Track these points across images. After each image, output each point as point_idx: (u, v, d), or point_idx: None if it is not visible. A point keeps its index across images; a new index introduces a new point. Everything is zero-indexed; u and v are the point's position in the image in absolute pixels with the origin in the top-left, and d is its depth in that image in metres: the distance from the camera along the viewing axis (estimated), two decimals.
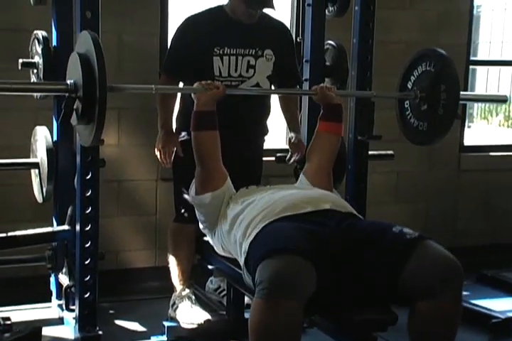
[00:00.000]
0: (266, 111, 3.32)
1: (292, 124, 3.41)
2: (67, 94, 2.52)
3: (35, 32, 3.21)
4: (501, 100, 3.64)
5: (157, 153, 3.23)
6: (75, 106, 2.50)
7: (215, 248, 2.80)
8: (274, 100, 3.42)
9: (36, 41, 3.20)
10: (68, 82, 2.54)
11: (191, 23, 3.17)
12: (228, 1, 3.20)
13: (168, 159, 3.20)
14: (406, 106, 3.23)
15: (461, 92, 3.06)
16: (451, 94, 2.99)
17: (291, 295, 2.08)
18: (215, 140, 2.69)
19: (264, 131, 3.37)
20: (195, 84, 2.75)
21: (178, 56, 3.17)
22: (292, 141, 3.35)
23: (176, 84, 3.21)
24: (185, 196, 3.05)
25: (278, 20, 3.33)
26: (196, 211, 2.84)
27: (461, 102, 3.07)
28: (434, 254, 2.24)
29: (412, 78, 3.17)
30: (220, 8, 3.20)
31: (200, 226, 2.85)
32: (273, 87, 3.30)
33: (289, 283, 2.09)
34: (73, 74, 2.51)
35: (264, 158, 3.43)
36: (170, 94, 3.20)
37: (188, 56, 3.13)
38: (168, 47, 3.30)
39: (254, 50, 3.16)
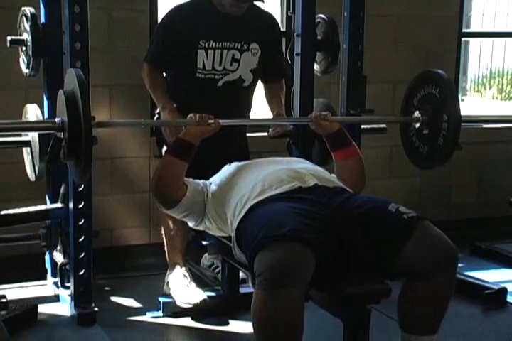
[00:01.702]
0: (247, 104, 3.30)
1: (274, 105, 3.34)
2: (55, 133, 2.48)
3: (22, 8, 3.18)
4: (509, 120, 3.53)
5: (165, 133, 3.13)
6: (62, 144, 2.46)
7: (211, 232, 2.77)
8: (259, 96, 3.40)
9: (24, 18, 3.17)
10: (56, 120, 2.48)
11: (177, 14, 3.13)
12: None
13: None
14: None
15: (465, 114, 2.94)
16: (453, 127, 2.86)
17: (291, 284, 2.06)
18: (182, 171, 2.62)
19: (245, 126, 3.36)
20: (189, 115, 2.68)
21: (162, 47, 3.13)
22: (275, 113, 3.28)
23: (159, 73, 3.19)
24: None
25: (267, 12, 3.30)
26: (184, 219, 2.79)
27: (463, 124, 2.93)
28: (431, 237, 2.25)
29: (418, 96, 3.05)
30: None
31: (191, 224, 2.82)
32: (259, 81, 3.29)
33: (288, 272, 2.07)
34: (61, 113, 2.47)
35: (257, 134, 3.43)
36: (156, 75, 3.16)
37: (173, 48, 3.10)
38: (153, 36, 3.26)
39: (239, 44, 3.13)
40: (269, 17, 3.30)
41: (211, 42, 3.10)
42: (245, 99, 3.29)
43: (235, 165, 2.78)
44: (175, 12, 3.15)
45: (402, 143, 3.19)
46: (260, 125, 3.44)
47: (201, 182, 2.75)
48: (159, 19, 3.27)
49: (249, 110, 3.35)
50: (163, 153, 3.21)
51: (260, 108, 3.58)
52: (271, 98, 3.38)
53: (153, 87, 3.17)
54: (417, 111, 3.02)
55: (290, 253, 2.11)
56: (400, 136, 3.19)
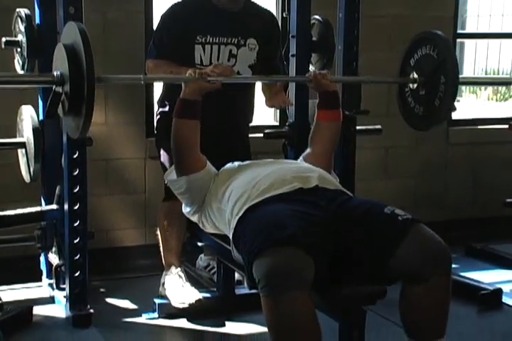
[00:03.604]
0: (248, 102, 3.29)
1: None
2: (54, 87, 2.46)
3: (17, 10, 3.18)
4: (504, 83, 3.54)
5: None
6: (61, 98, 2.44)
7: (205, 228, 2.77)
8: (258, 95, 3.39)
9: (19, 19, 3.17)
10: (55, 73, 2.46)
11: (175, 11, 3.14)
12: None
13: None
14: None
15: (462, 76, 2.99)
16: (450, 87, 2.90)
17: (292, 286, 2.06)
18: (195, 130, 2.65)
19: (247, 120, 3.35)
20: (188, 72, 2.68)
21: (162, 44, 3.13)
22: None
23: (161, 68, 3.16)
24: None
25: (264, 8, 3.30)
26: (179, 196, 2.80)
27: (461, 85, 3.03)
28: (424, 239, 2.25)
29: (415, 57, 3.07)
30: None
31: (186, 210, 2.82)
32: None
33: (287, 276, 2.07)
34: (60, 66, 2.45)
35: (253, 135, 3.43)
36: (161, 62, 3.09)
37: (172, 44, 3.10)
38: (154, 34, 3.26)
39: (236, 39, 3.13)
40: (267, 13, 3.30)
41: (208, 37, 3.09)
42: (246, 97, 3.27)
43: (237, 163, 2.79)
44: (172, 9, 3.15)
45: (397, 106, 3.21)
46: (260, 80, 3.25)
47: (214, 170, 2.76)
48: (154, 20, 3.27)
49: (251, 110, 3.34)
50: (161, 157, 3.22)
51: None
52: (269, 87, 3.33)
53: (165, 69, 3.05)
54: (414, 72, 3.03)
55: (288, 258, 2.10)
56: (396, 98, 3.21)
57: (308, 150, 2.90)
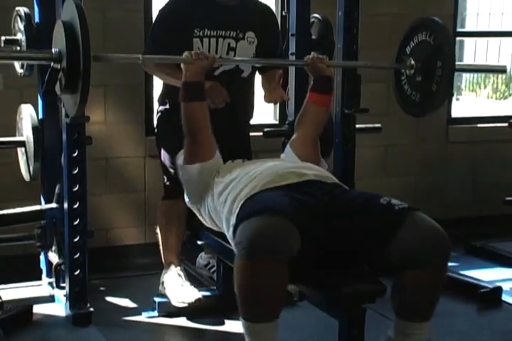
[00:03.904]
0: (248, 97, 3.28)
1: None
2: (52, 63, 2.48)
3: (17, 8, 3.18)
4: (500, 70, 3.56)
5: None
6: (59, 76, 2.46)
7: (203, 221, 2.79)
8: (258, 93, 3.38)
9: (18, 18, 3.17)
10: (53, 50, 2.48)
11: (173, 5, 3.13)
12: None
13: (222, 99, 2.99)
14: (402, 71, 3.18)
15: (458, 63, 3.00)
16: (446, 72, 2.93)
17: (270, 253, 2.08)
18: (204, 110, 2.68)
19: (247, 116, 3.35)
20: (184, 54, 2.70)
21: (160, 38, 3.11)
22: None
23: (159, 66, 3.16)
24: (171, 169, 3.05)
25: (262, 3, 3.29)
26: (184, 182, 2.81)
27: (457, 72, 3.04)
28: (422, 226, 2.25)
29: (411, 44, 3.10)
30: None
31: (186, 199, 2.83)
32: (257, 73, 3.26)
33: (267, 241, 2.09)
34: (58, 43, 2.47)
35: (253, 133, 3.43)
36: (164, 66, 3.09)
37: (170, 38, 3.09)
38: (151, 28, 3.26)
39: (235, 33, 3.11)
40: (265, 7, 3.29)
41: (206, 30, 3.08)
42: (245, 92, 3.25)
43: (237, 162, 2.79)
44: (171, 3, 3.14)
45: (393, 92, 3.23)
46: (257, 63, 3.19)
47: (221, 161, 2.77)
48: (154, 18, 3.26)
49: (252, 105, 3.32)
50: (162, 156, 3.21)
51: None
52: (269, 82, 3.28)
53: (164, 75, 3.10)
54: (411, 58, 3.05)
55: (273, 225, 2.13)
56: (392, 84, 3.23)
57: (293, 136, 2.93)
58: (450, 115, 4.62)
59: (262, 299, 2.14)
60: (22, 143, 3.28)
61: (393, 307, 2.32)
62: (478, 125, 4.77)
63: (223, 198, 2.56)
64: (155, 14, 3.28)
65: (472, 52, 8.27)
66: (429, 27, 3.02)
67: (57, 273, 3.27)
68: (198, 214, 2.82)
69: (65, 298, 3.12)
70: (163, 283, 3.24)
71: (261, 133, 3.50)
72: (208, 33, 3.09)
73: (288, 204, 2.26)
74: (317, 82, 2.90)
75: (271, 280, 2.10)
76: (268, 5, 3.33)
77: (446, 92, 2.98)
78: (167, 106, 3.20)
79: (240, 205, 2.41)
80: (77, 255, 3.05)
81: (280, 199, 2.30)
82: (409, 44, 3.10)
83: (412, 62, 3.07)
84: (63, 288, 3.18)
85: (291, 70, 3.36)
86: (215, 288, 3.26)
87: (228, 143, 3.12)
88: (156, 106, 3.34)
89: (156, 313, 3.16)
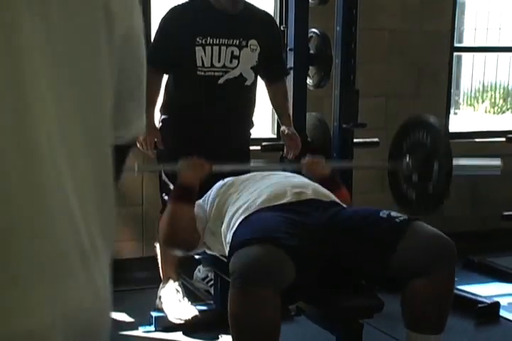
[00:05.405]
0: (251, 105, 3.29)
1: (284, 118, 3.35)
2: None
3: None
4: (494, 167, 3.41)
5: (138, 145, 3.12)
6: None
7: (207, 250, 2.74)
8: (261, 94, 3.39)
9: None
10: None
11: (174, 13, 3.15)
12: None
13: (150, 149, 3.16)
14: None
15: (455, 163, 2.87)
16: (443, 178, 2.84)
17: (263, 283, 2.08)
18: (191, 214, 2.60)
19: (250, 125, 3.35)
20: (180, 163, 2.67)
21: (161, 47, 3.13)
22: (286, 133, 3.27)
23: (160, 75, 3.16)
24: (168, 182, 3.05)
25: (263, 10, 3.31)
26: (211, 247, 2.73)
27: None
28: (425, 234, 2.26)
29: (408, 141, 2.97)
30: None
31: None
32: (259, 78, 3.27)
33: (259, 271, 2.09)
34: None
35: (251, 147, 3.43)
36: (154, 88, 3.10)
37: (171, 47, 3.10)
38: (152, 38, 3.27)
39: (238, 41, 3.12)
40: (266, 15, 3.30)
41: (208, 38, 3.08)
42: (248, 100, 3.25)
43: (228, 180, 2.75)
44: (171, 12, 3.16)
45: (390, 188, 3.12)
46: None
47: (202, 212, 2.68)
48: (152, 26, 3.27)
49: (252, 112, 3.33)
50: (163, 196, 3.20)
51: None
52: (276, 102, 3.36)
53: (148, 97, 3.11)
54: (407, 158, 2.91)
55: (266, 255, 2.13)
56: (388, 180, 3.14)
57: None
58: (448, 129, 4.62)
59: (255, 331, 2.12)
60: None
61: (404, 319, 2.30)
62: (476, 139, 4.77)
63: (223, 214, 2.56)
64: (154, 20, 3.28)
65: (470, 67, 8.30)
66: (425, 127, 2.88)
67: None
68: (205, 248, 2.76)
69: None
70: (160, 297, 3.23)
71: (259, 147, 3.50)
72: (211, 41, 3.09)
73: (283, 229, 2.24)
74: (322, 184, 2.75)
75: (264, 308, 2.09)
76: (269, 12, 3.34)
77: (443, 195, 2.86)
78: (168, 116, 3.20)
79: (237, 225, 2.41)
80: None
81: (275, 224, 2.28)
82: (406, 141, 2.95)
83: (408, 162, 2.90)
84: None
85: (290, 85, 3.37)
86: (212, 302, 3.25)
87: (229, 151, 3.12)
88: (159, 116, 3.32)
89: (152, 328, 3.14)
